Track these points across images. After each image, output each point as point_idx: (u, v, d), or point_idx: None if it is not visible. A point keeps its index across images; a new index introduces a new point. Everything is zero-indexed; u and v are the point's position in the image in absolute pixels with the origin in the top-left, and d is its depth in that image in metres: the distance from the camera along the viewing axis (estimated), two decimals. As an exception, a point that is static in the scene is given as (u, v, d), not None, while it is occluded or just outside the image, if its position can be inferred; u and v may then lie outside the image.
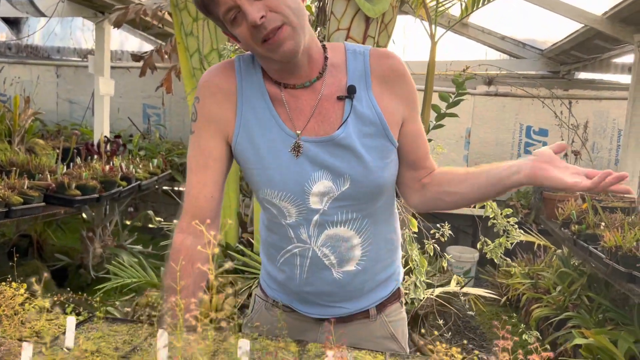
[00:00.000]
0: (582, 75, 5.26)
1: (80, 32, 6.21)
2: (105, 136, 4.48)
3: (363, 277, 1.31)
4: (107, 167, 3.94)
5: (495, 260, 2.91)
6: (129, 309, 2.50)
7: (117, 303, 2.77)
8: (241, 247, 2.60)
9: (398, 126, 1.26)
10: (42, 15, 4.00)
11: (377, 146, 1.22)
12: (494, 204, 2.88)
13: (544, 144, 5.26)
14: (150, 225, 5.45)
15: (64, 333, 1.11)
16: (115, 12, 4.21)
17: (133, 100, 5.95)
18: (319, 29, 2.78)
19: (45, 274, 1.16)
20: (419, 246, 2.44)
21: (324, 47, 1.26)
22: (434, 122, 2.86)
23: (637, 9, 3.41)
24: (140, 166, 4.37)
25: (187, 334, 0.99)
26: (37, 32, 6.17)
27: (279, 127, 1.22)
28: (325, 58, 1.24)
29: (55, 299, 1.18)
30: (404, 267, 1.75)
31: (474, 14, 3.46)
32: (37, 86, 5.97)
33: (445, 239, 2.49)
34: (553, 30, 4.71)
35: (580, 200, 3.67)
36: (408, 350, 1.46)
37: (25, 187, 3.10)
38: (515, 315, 3.61)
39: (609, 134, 5.15)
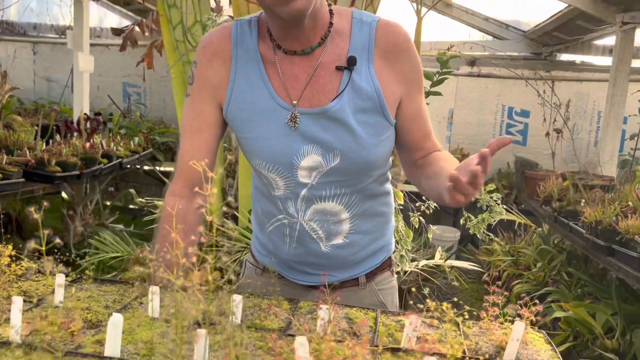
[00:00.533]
0: (564, 56, 5.30)
1: (57, 8, 6.06)
2: (85, 114, 4.39)
3: (351, 249, 1.32)
4: (88, 144, 3.87)
5: (478, 235, 2.95)
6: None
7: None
8: (226, 221, 2.58)
9: (396, 104, 1.23)
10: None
11: (372, 122, 1.19)
12: (478, 180, 2.90)
13: (526, 125, 5.32)
14: (131, 206, 5.39)
15: (52, 293, 1.10)
16: (94, -14, 4.12)
17: (113, 78, 5.85)
18: None
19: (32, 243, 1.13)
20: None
21: (330, 11, 1.22)
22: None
23: (620, -12, 3.45)
24: (121, 144, 4.30)
25: (180, 291, 0.98)
26: (13, 8, 6.00)
27: (271, 96, 1.20)
28: (330, 24, 1.20)
29: (43, 260, 1.16)
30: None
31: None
32: (13, 63, 5.82)
33: (430, 212, 2.51)
34: (536, 11, 4.74)
35: (561, 178, 3.73)
36: None
37: (4, 163, 3.03)
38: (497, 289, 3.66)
39: (589, 115, 5.22)
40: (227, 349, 0.81)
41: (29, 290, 1.13)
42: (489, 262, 4.10)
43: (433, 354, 0.87)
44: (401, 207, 2.36)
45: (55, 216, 4.50)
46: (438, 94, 2.93)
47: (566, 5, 4.01)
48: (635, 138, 4.21)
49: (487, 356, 0.94)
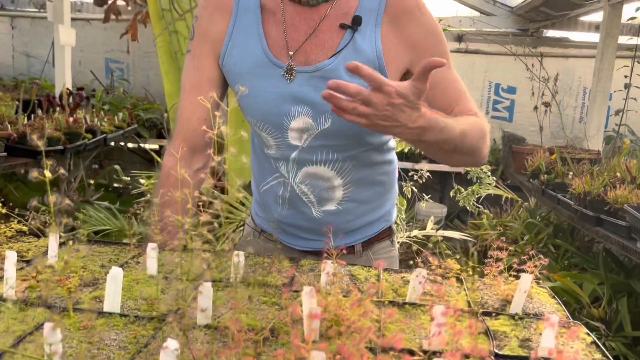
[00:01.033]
0: (550, 33, 5.30)
1: (36, -19, 5.87)
2: (68, 88, 4.29)
3: (345, 217, 1.30)
4: (71, 119, 3.78)
5: (468, 208, 2.96)
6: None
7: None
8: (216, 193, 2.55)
9: (399, 72, 1.18)
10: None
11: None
12: (468, 152, 2.91)
13: (512, 101, 5.33)
14: (115, 185, 5.31)
15: (44, 253, 1.07)
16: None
17: (94, 54, 5.71)
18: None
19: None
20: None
21: None
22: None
23: (609, -39, 3.44)
24: (105, 119, 4.22)
25: (178, 251, 0.95)
26: (-12, -19, 5.80)
27: (264, 53, 1.17)
28: None
29: (33, 222, 1.12)
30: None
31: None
32: (-10, 37, 5.66)
33: (423, 181, 2.50)
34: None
35: (548, 153, 3.74)
36: None
37: (-15, 136, 2.95)
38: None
39: (574, 92, 5.24)
40: (231, 302, 0.79)
41: (20, 250, 1.09)
42: (477, 236, 4.13)
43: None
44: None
45: (38, 193, 4.42)
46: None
47: (555, -21, 4.00)
48: (620, 114, 4.24)
49: (492, 309, 0.93)
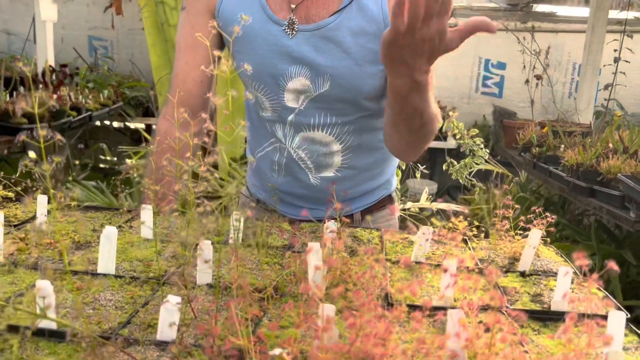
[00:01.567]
0: (540, 7, 5.27)
1: (14, -44, 5.70)
2: (51, 65, 4.18)
3: (343, 184, 1.25)
4: (55, 96, 3.69)
5: (461, 181, 2.94)
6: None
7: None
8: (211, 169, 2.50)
9: None
10: None
11: (372, 48, 1.07)
12: (461, 124, 2.88)
13: (502, 77, 5.31)
14: (101, 165, 5.22)
15: (32, 218, 1.02)
16: None
17: (77, 31, 5.58)
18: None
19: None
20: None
21: None
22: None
23: None
24: (90, 97, 4.12)
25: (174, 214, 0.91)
26: (-35, -44, 5.61)
27: (262, 8, 1.11)
28: None
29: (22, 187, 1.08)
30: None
31: None
32: (-32, 15, 5.49)
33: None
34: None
35: (539, 126, 3.73)
36: None
37: (-34, 112, 2.86)
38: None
39: (564, 67, 5.23)
40: (234, 259, 0.75)
41: (8, 215, 1.04)
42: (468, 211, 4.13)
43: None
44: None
45: (23, 176, 4.33)
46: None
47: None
48: (610, 88, 4.24)
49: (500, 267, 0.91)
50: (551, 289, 0.84)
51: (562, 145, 3.12)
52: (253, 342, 0.57)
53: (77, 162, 4.89)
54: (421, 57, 0.82)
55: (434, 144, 4.50)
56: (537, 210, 0.98)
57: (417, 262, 0.90)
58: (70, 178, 3.67)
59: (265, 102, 1.17)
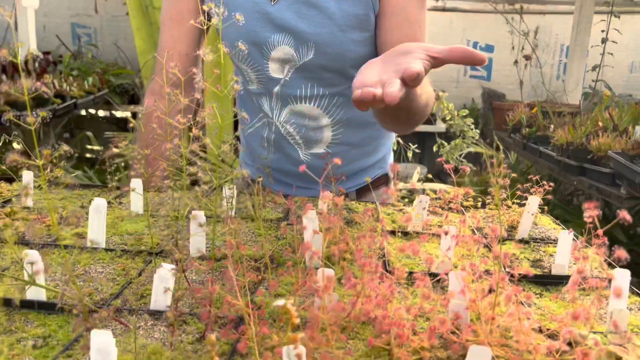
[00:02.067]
0: (528, -12, 5.26)
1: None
2: (33, 52, 4.10)
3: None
4: (38, 84, 3.62)
5: (451, 162, 2.94)
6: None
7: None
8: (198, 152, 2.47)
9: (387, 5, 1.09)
10: None
11: (357, 14, 1.06)
12: (451, 105, 2.87)
13: (490, 60, 5.30)
14: (88, 155, 5.15)
15: (16, 196, 0.99)
16: None
17: (60, 19, 5.47)
18: None
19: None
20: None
21: None
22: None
23: None
24: (75, 85, 4.05)
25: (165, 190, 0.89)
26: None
27: None
28: None
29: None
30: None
31: None
32: (-53, 3, 5.36)
33: (403, 141, 2.45)
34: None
35: (528, 107, 3.73)
36: None
37: (-53, 100, 2.79)
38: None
39: (551, 49, 5.23)
40: (228, 230, 0.73)
41: (-8, 194, 1.01)
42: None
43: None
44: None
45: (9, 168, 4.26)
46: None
47: None
48: (597, 69, 4.25)
49: (498, 236, 0.90)
50: (550, 255, 0.83)
51: (552, 126, 3.13)
52: (251, 308, 0.55)
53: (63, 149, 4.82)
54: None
55: (423, 127, 4.49)
56: (534, 179, 0.97)
57: (415, 232, 0.88)
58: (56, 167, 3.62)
59: (250, 74, 1.15)
